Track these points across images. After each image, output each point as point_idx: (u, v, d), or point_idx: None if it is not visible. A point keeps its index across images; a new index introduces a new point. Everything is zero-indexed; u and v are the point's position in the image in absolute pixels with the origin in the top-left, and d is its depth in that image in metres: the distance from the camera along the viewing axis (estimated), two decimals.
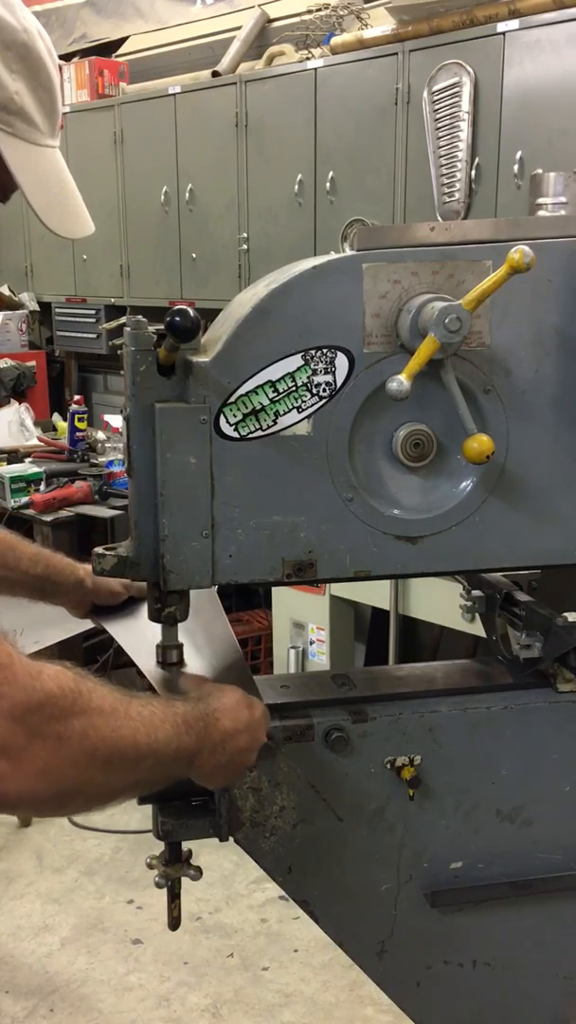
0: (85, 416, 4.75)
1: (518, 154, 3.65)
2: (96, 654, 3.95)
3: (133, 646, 1.46)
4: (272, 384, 1.24)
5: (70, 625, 1.71)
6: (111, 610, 1.62)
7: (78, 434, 4.69)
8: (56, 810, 1.12)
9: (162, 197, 5.13)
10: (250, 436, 1.25)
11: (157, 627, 1.39)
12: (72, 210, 1.26)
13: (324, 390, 1.25)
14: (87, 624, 1.66)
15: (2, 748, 0.94)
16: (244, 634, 4.55)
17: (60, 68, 5.79)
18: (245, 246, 4.75)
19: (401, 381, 1.20)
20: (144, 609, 1.45)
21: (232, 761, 1.21)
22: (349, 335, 1.25)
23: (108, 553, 1.30)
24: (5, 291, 6.20)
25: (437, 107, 3.86)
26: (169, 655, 1.39)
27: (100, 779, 1.04)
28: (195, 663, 1.41)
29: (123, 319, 5.49)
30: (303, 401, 1.25)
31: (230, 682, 1.30)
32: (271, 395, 1.24)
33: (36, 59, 1.16)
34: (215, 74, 5.04)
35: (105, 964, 3.12)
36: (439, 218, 3.89)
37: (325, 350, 1.24)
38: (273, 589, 4.11)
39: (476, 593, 1.58)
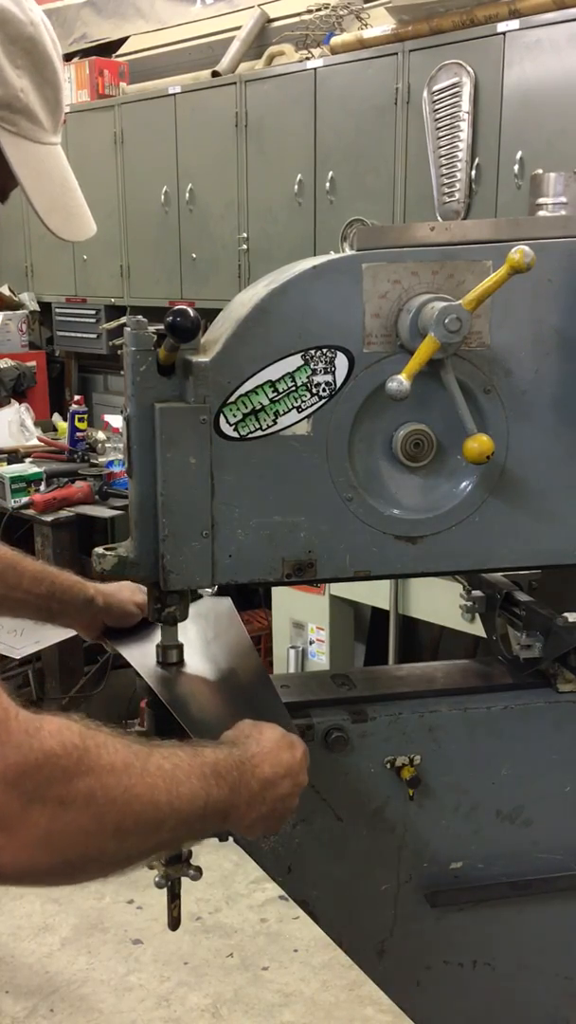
0: (85, 416, 4.75)
1: (518, 154, 3.65)
2: (96, 654, 3.95)
3: (152, 673, 1.35)
4: (272, 384, 1.24)
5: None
6: (125, 631, 1.49)
7: (78, 434, 4.69)
8: (65, 880, 1.00)
9: (162, 197, 5.13)
10: (250, 436, 1.25)
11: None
12: (74, 211, 1.21)
13: (324, 390, 1.25)
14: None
15: None
16: None
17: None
18: (245, 246, 4.75)
19: (401, 381, 1.20)
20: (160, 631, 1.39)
21: (275, 810, 1.11)
22: (349, 335, 1.25)
23: (108, 553, 1.30)
24: (5, 291, 6.20)
25: (437, 107, 3.86)
26: (169, 655, 1.39)
27: (112, 847, 0.93)
28: (221, 695, 1.33)
29: (123, 319, 5.48)
30: (303, 401, 1.25)
31: (262, 714, 1.18)
32: (271, 395, 1.24)
33: (42, 54, 1.11)
34: (215, 74, 5.04)
35: (105, 964, 3.12)
36: (439, 218, 3.89)
37: (325, 350, 1.24)
38: (273, 589, 4.11)
39: (476, 593, 1.58)
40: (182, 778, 0.99)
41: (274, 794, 1.09)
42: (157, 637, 1.40)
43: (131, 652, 1.43)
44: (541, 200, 1.44)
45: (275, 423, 1.25)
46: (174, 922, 1.45)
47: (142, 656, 1.41)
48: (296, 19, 4.99)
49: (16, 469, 4.33)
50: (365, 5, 4.75)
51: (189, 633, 1.40)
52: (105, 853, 0.93)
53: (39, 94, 1.11)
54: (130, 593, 1.48)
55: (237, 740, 1.11)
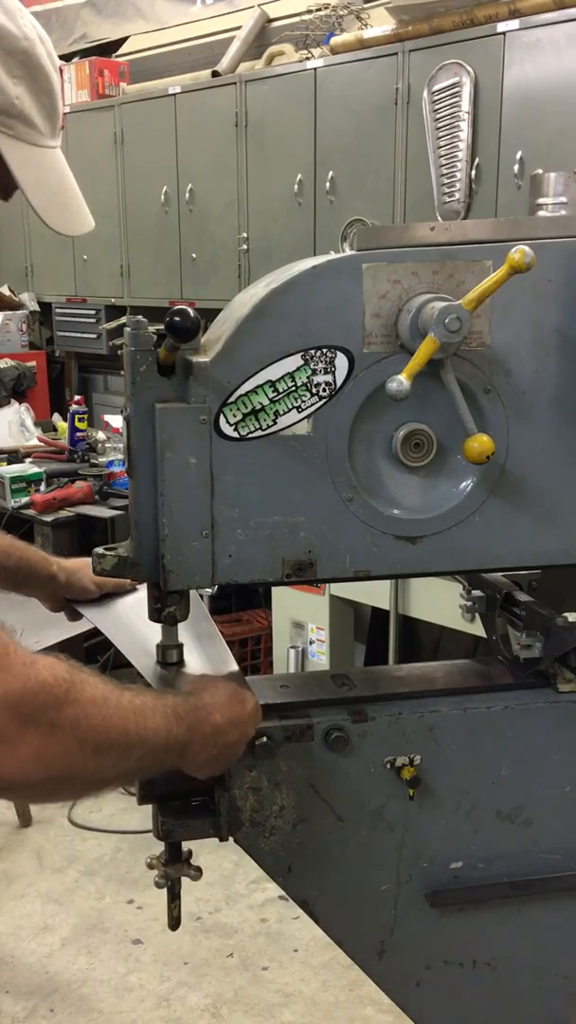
0: (85, 416, 4.76)
1: (518, 154, 3.65)
2: (96, 654, 3.95)
3: (111, 630, 1.52)
4: (272, 384, 1.24)
5: (71, 625, 1.72)
6: (85, 604, 1.66)
7: (78, 434, 4.70)
8: (47, 796, 1.15)
9: (162, 197, 5.13)
10: (250, 436, 1.25)
11: (133, 612, 1.41)
12: (72, 208, 1.30)
13: (324, 390, 1.25)
14: (87, 624, 1.67)
15: None
16: (244, 634, 4.55)
17: (60, 69, 5.83)
18: (245, 246, 4.75)
19: (401, 381, 1.20)
20: (120, 599, 1.55)
21: (222, 755, 1.24)
22: (349, 335, 1.25)
23: (108, 553, 1.30)
24: (5, 291, 6.21)
25: (437, 107, 3.86)
26: (169, 655, 1.39)
27: (91, 766, 1.07)
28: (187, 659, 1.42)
29: (123, 319, 5.49)
30: (303, 401, 1.25)
31: (216, 669, 1.34)
32: (271, 395, 1.24)
33: (36, 64, 1.21)
34: (215, 74, 5.04)
35: (105, 964, 3.12)
36: (439, 218, 3.89)
37: (325, 350, 1.24)
38: (273, 589, 4.11)
39: (476, 593, 1.58)
40: (148, 713, 1.13)
41: (223, 740, 1.22)
42: (115, 601, 1.58)
43: (91, 613, 1.62)
44: (541, 200, 1.44)
45: (275, 423, 1.25)
46: (174, 922, 1.45)
47: (101, 617, 1.59)
48: (296, 19, 4.99)
49: (16, 469, 4.33)
50: (365, 5, 4.75)
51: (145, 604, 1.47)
52: (84, 772, 1.07)
53: (35, 100, 1.22)
54: (89, 571, 1.57)
55: (194, 690, 1.25)
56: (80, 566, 1.63)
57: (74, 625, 1.71)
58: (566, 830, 1.49)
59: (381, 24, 4.31)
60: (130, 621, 1.53)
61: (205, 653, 1.47)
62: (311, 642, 4.08)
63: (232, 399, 1.24)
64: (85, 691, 1.06)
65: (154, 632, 1.43)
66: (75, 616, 1.66)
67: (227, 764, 1.29)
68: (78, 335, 5.92)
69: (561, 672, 1.47)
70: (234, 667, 1.43)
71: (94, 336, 5.81)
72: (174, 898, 1.44)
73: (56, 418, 5.78)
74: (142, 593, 1.55)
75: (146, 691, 1.19)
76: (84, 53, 6.11)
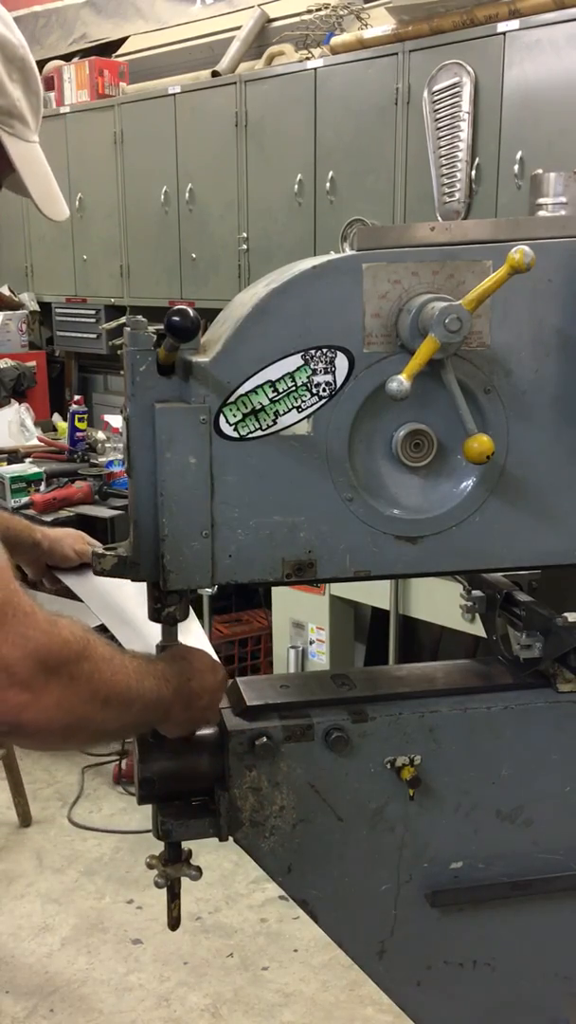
0: (85, 416, 4.76)
1: (518, 154, 3.65)
2: None
3: (89, 596, 1.61)
4: (272, 384, 1.24)
5: (76, 618, 1.75)
6: (65, 571, 1.75)
7: (78, 434, 4.69)
8: (62, 742, 1.26)
9: (162, 197, 5.13)
10: (250, 436, 1.25)
11: (110, 582, 1.43)
12: (56, 197, 1.43)
13: (324, 390, 1.25)
14: (95, 620, 1.68)
15: (27, 682, 1.07)
16: (244, 634, 4.55)
17: (61, 69, 5.83)
18: (245, 246, 4.75)
19: (401, 381, 1.20)
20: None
21: (194, 718, 1.34)
22: (349, 335, 1.25)
23: (108, 553, 1.30)
24: (5, 291, 6.20)
25: (437, 107, 3.86)
26: None
27: (99, 717, 1.17)
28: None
29: (123, 319, 5.49)
30: (303, 401, 1.25)
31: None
32: (271, 395, 1.24)
33: (30, 69, 1.36)
34: (215, 74, 5.04)
35: (105, 964, 3.12)
36: (439, 218, 3.89)
37: (325, 350, 1.24)
38: (273, 589, 4.11)
39: (476, 593, 1.58)
40: (144, 673, 1.24)
41: (197, 704, 1.32)
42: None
43: (69, 579, 1.70)
44: (541, 200, 1.44)
45: (275, 423, 1.25)
46: (174, 922, 1.45)
47: (78, 582, 1.68)
48: (296, 19, 4.99)
49: (16, 469, 4.33)
50: (365, 5, 4.75)
51: (129, 587, 1.48)
52: (94, 721, 1.17)
53: (27, 101, 1.36)
54: (72, 541, 1.74)
55: (175, 658, 1.34)
56: (62, 535, 1.74)
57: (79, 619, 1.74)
58: (566, 830, 1.49)
59: (381, 24, 4.31)
60: (106, 590, 1.61)
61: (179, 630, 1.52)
62: (311, 642, 4.08)
63: (232, 399, 1.24)
64: (98, 649, 1.16)
65: (127, 600, 1.50)
66: (55, 582, 1.75)
67: (197, 727, 1.38)
68: (78, 335, 5.92)
69: (561, 672, 1.47)
70: (206, 641, 1.54)
71: (94, 336, 5.81)
72: (174, 898, 1.44)
73: (56, 418, 5.78)
74: None
75: (138, 654, 1.29)
76: (84, 53, 6.11)
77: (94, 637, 1.18)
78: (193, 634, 1.56)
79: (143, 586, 1.41)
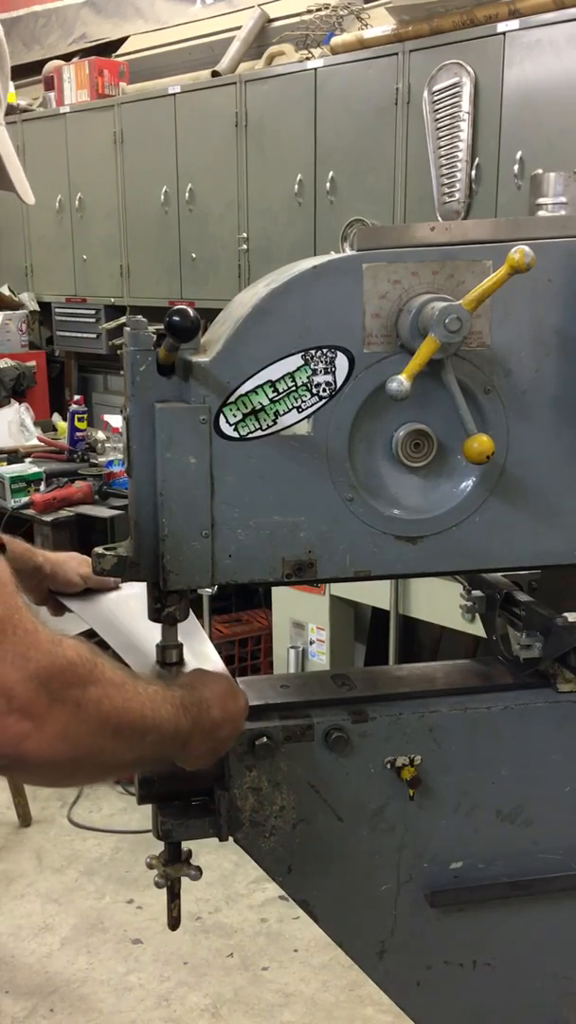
0: (85, 416, 4.75)
1: (518, 154, 3.65)
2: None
3: (97, 622, 1.52)
4: (272, 384, 1.24)
5: (69, 627, 1.71)
6: (70, 597, 1.63)
7: (78, 434, 4.69)
8: (68, 777, 1.15)
9: (162, 197, 5.13)
10: (250, 436, 1.25)
11: (117, 607, 1.41)
12: (24, 178, 1.43)
13: (324, 390, 1.25)
14: (85, 625, 1.66)
15: (27, 709, 0.97)
16: (244, 634, 4.55)
17: (60, 69, 5.82)
18: (245, 246, 4.75)
19: (401, 381, 1.20)
20: (104, 595, 1.54)
21: (215, 748, 1.26)
22: (349, 335, 1.25)
23: (108, 553, 1.30)
24: (5, 291, 6.20)
25: (437, 107, 3.86)
26: (168, 655, 1.39)
27: (110, 748, 1.07)
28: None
29: (123, 319, 5.49)
30: (303, 401, 1.25)
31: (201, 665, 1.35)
32: (271, 395, 1.24)
33: (5, 57, 1.39)
34: (215, 74, 5.04)
35: (105, 964, 3.12)
36: (439, 218, 3.89)
37: (325, 350, 1.24)
38: (273, 589, 4.11)
39: (476, 593, 1.58)
40: (160, 702, 1.14)
41: (218, 735, 1.24)
42: (101, 596, 1.56)
43: (74, 604, 1.59)
44: (541, 200, 1.44)
45: (275, 423, 1.25)
46: (174, 922, 1.45)
47: (84, 607, 1.57)
48: (296, 19, 4.99)
49: (16, 469, 4.33)
50: (365, 5, 4.75)
51: (132, 603, 1.47)
52: (103, 753, 1.07)
53: (3, 88, 1.40)
54: (76, 564, 1.61)
55: (194, 684, 1.25)
56: (66, 559, 1.62)
57: (72, 627, 1.71)
58: (566, 830, 1.49)
59: (381, 24, 4.31)
60: (114, 616, 1.53)
61: (190, 647, 1.46)
62: (311, 642, 4.08)
63: (232, 399, 1.24)
64: (106, 673, 1.07)
65: (138, 627, 1.44)
66: (59, 609, 1.64)
67: (217, 757, 1.30)
68: (78, 335, 5.92)
69: (561, 672, 1.47)
70: (213, 651, 1.46)
71: (94, 336, 5.81)
72: (174, 898, 1.44)
73: (56, 418, 5.78)
74: (127, 590, 1.57)
75: (153, 681, 1.19)
76: (84, 53, 6.11)
77: (103, 660, 1.08)
78: (197, 638, 1.52)
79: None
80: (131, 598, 1.45)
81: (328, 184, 4.34)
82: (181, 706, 1.18)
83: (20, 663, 0.96)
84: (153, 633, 1.41)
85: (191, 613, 1.57)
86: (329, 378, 1.25)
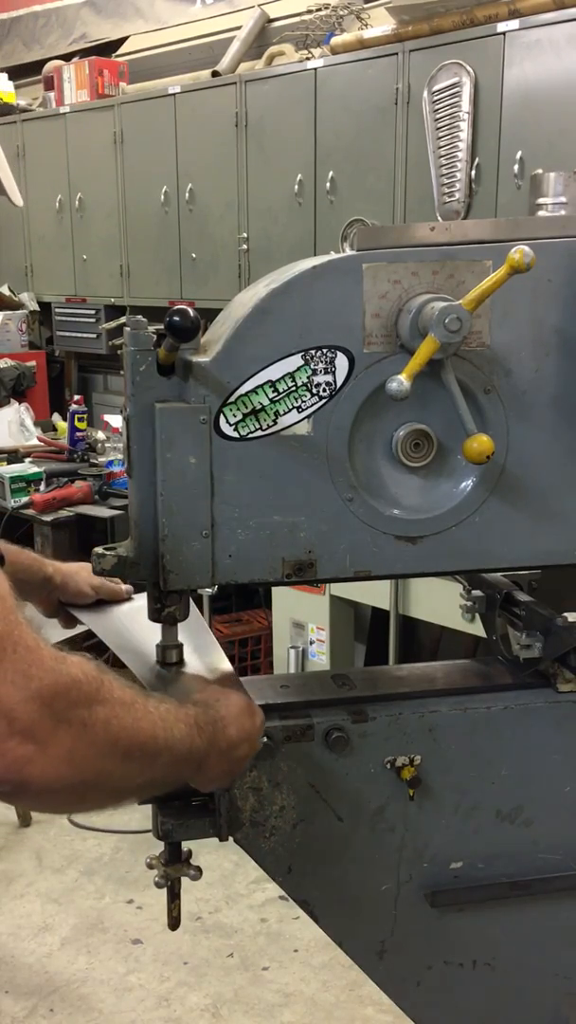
0: (85, 416, 4.76)
1: (518, 154, 3.65)
2: (96, 654, 3.95)
3: (108, 635, 1.47)
4: (272, 384, 1.24)
5: (54, 634, 1.68)
6: (81, 608, 1.59)
7: (78, 434, 4.70)
8: (75, 803, 1.10)
9: (162, 197, 5.13)
10: (250, 436, 1.25)
11: (129, 619, 1.39)
12: (12, 179, 1.37)
13: (324, 390, 1.25)
14: (84, 627, 1.65)
15: (30, 731, 0.91)
16: (244, 634, 4.55)
17: (60, 68, 5.82)
18: (245, 246, 4.75)
19: (401, 381, 1.20)
20: (116, 606, 1.52)
21: (232, 769, 1.22)
22: (349, 335, 1.25)
23: (108, 553, 1.30)
24: (5, 291, 6.20)
25: (437, 107, 3.86)
26: (169, 655, 1.39)
27: (119, 771, 1.02)
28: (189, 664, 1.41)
29: (123, 319, 5.49)
30: (303, 401, 1.25)
31: (217, 679, 1.32)
32: (271, 395, 1.24)
33: None
34: (215, 74, 5.04)
35: (105, 964, 3.12)
36: (439, 218, 3.89)
37: (325, 350, 1.24)
38: (273, 589, 4.11)
39: (476, 593, 1.58)
40: (173, 721, 1.09)
41: (235, 754, 1.19)
42: (111, 608, 1.54)
43: (85, 616, 1.55)
44: (541, 200, 1.43)
45: (275, 423, 1.25)
46: (174, 922, 1.45)
47: (95, 619, 1.53)
48: (296, 19, 5.00)
49: (16, 469, 4.33)
50: (365, 5, 4.75)
51: (144, 615, 1.44)
52: (113, 776, 1.01)
53: None
54: (87, 575, 1.55)
55: (209, 702, 1.20)
56: (76, 569, 1.57)
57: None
58: (566, 830, 1.49)
59: (381, 24, 4.32)
60: (126, 628, 1.48)
61: (196, 650, 1.45)
62: (311, 642, 4.08)
63: (232, 399, 1.24)
64: (114, 692, 1.01)
65: (150, 639, 1.41)
66: (70, 621, 1.59)
67: (233, 778, 1.27)
68: (78, 335, 5.92)
69: (561, 672, 1.47)
70: (228, 666, 1.42)
71: (94, 336, 5.81)
72: (174, 898, 1.44)
73: (56, 418, 5.78)
74: (139, 602, 1.53)
75: (166, 698, 1.13)
76: (84, 53, 6.11)
77: (110, 677, 1.02)
78: (210, 650, 1.49)
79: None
80: (143, 610, 1.41)
81: (328, 184, 4.34)
82: (195, 725, 1.12)
83: (22, 682, 0.90)
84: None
85: (203, 622, 1.56)
86: (329, 378, 1.25)
